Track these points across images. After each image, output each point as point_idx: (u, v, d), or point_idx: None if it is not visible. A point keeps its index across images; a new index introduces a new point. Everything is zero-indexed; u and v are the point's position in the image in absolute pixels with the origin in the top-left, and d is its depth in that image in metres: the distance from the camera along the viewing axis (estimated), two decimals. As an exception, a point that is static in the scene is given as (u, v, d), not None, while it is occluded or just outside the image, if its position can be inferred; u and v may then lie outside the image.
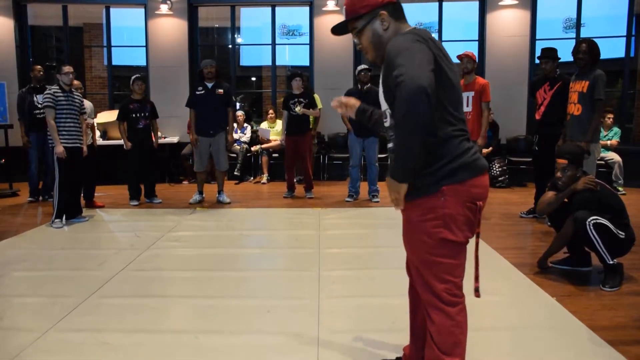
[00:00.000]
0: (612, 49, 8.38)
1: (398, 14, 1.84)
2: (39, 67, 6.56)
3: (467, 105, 5.38)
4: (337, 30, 1.95)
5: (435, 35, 8.80)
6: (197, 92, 6.13)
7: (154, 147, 6.38)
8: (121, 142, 6.27)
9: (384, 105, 1.84)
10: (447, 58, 1.76)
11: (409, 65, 1.57)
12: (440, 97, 1.68)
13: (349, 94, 5.83)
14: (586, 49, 4.61)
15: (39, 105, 6.25)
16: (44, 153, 6.30)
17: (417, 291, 1.96)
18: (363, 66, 6.22)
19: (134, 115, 6.17)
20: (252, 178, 8.33)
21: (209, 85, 6.04)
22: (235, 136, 8.42)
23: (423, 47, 1.65)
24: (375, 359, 2.39)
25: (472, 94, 5.34)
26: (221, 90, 6.03)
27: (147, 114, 6.23)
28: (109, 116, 7.73)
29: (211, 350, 2.48)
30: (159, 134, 6.84)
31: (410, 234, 1.86)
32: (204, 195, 6.38)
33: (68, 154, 5.04)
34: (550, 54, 5.18)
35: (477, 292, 1.93)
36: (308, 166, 6.67)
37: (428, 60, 1.62)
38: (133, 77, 6.26)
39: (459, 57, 5.43)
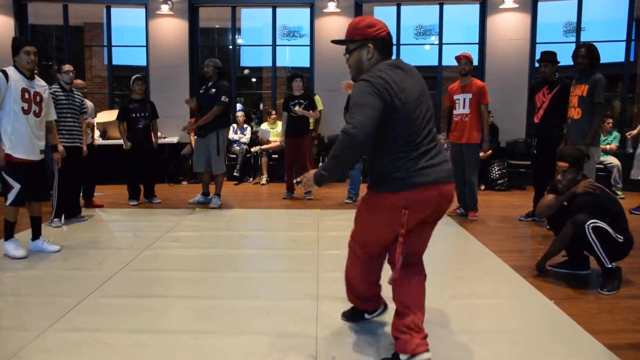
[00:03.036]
0: (612, 53, 8.40)
1: (384, 50, 2.27)
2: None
3: (464, 107, 5.38)
4: (337, 42, 2.39)
5: (436, 38, 8.92)
6: (200, 91, 6.12)
7: (153, 147, 6.38)
8: (121, 142, 6.28)
9: None
10: (406, 95, 2.13)
11: (361, 122, 2.03)
12: (389, 134, 2.14)
13: None
14: (585, 53, 4.63)
15: None
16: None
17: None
18: None
19: (133, 115, 6.17)
20: (251, 179, 8.33)
21: (209, 84, 5.99)
22: (235, 137, 8.45)
23: (374, 102, 2.07)
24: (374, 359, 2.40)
25: (469, 96, 5.34)
26: (213, 90, 5.90)
27: (147, 114, 6.23)
28: (109, 116, 7.74)
29: (210, 351, 2.49)
30: (159, 134, 6.84)
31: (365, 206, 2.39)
32: (210, 197, 6.26)
33: (68, 153, 5.03)
34: (549, 57, 5.19)
35: (391, 280, 2.33)
36: (307, 167, 6.66)
37: (375, 118, 2.06)
38: (133, 77, 6.26)
39: (456, 58, 5.44)
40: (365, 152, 2.29)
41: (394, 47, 8.80)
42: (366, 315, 2.75)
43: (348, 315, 2.79)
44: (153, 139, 6.39)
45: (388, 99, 2.09)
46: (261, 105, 12.54)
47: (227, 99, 5.88)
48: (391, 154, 2.16)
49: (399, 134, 2.14)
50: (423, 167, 2.15)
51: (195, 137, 6.13)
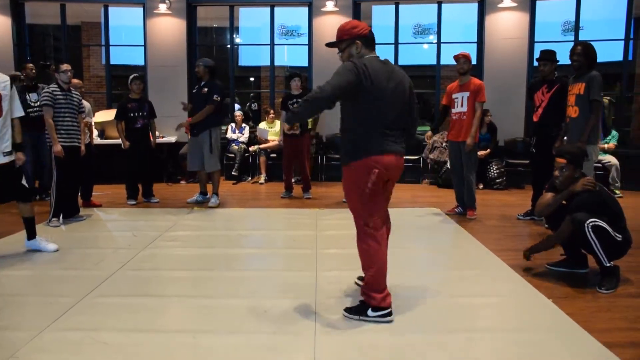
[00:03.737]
0: (611, 52, 8.40)
1: (368, 44, 2.82)
2: (31, 65, 6.52)
3: (462, 106, 5.38)
4: (330, 45, 2.95)
5: (434, 37, 8.91)
6: (193, 91, 6.13)
7: (151, 146, 6.36)
8: (119, 141, 6.26)
9: None
10: (379, 81, 2.69)
11: (332, 84, 2.63)
12: (364, 111, 2.72)
13: None
14: (581, 51, 4.62)
15: (32, 104, 6.23)
16: (39, 152, 6.28)
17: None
18: None
19: (131, 114, 6.15)
20: (249, 178, 8.32)
21: (201, 84, 6.01)
22: (234, 136, 8.44)
23: (350, 76, 2.64)
24: (372, 358, 2.40)
25: (467, 94, 5.34)
26: (205, 90, 5.91)
27: (145, 113, 6.22)
28: (107, 115, 7.72)
29: (208, 350, 2.48)
30: (157, 133, 6.82)
31: (346, 185, 2.86)
32: (208, 196, 6.27)
33: (66, 152, 5.03)
34: (548, 56, 5.19)
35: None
36: (306, 167, 6.66)
37: (343, 87, 2.64)
38: (131, 77, 6.24)
39: (455, 57, 5.43)
40: (343, 131, 2.83)
41: (393, 46, 8.84)
42: (370, 312, 2.78)
43: (351, 311, 2.84)
44: (151, 139, 6.37)
45: (364, 80, 2.65)
46: (254, 105, 12.44)
47: (218, 98, 5.90)
48: (365, 129, 2.72)
49: (373, 114, 2.70)
50: (390, 142, 2.74)
51: (190, 136, 6.12)
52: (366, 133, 2.73)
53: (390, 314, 2.78)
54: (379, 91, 2.70)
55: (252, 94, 11.89)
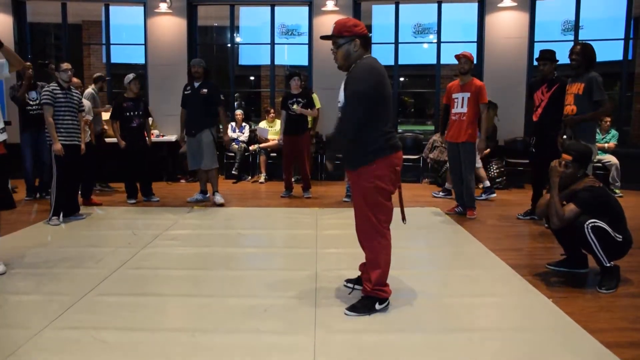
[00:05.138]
0: (610, 51, 8.39)
1: (366, 45, 2.87)
2: (29, 64, 6.53)
3: (462, 107, 5.36)
4: (326, 38, 2.91)
5: (434, 37, 8.92)
6: (185, 92, 6.10)
7: (147, 145, 6.36)
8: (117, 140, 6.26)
9: (341, 97, 2.98)
10: (387, 81, 2.81)
11: (355, 111, 2.74)
12: (376, 113, 2.76)
13: None
14: (580, 50, 4.63)
15: (31, 103, 6.23)
16: (39, 150, 6.28)
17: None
18: None
19: (127, 114, 6.15)
20: (249, 177, 8.33)
21: (196, 84, 5.99)
22: (234, 135, 8.44)
23: (371, 92, 2.71)
24: (372, 358, 2.40)
25: (467, 95, 5.33)
26: (205, 90, 5.91)
27: (140, 112, 6.22)
28: (107, 114, 7.70)
29: (208, 349, 2.48)
30: (157, 131, 6.81)
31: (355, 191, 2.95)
32: (208, 195, 6.28)
33: (66, 151, 5.03)
34: (548, 55, 5.19)
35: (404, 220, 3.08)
36: (306, 166, 6.66)
37: (367, 107, 2.72)
38: (131, 77, 6.22)
39: (456, 56, 5.42)
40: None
41: (393, 45, 8.84)
42: (377, 306, 2.87)
43: (358, 309, 2.88)
44: (147, 138, 6.37)
45: (385, 85, 2.78)
46: (243, 103, 12.35)
47: (223, 98, 5.99)
48: (378, 129, 2.79)
49: (385, 115, 2.82)
50: (396, 139, 2.87)
51: (187, 136, 6.10)
52: (384, 133, 2.81)
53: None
54: (389, 91, 2.82)
55: (236, 94, 11.79)
